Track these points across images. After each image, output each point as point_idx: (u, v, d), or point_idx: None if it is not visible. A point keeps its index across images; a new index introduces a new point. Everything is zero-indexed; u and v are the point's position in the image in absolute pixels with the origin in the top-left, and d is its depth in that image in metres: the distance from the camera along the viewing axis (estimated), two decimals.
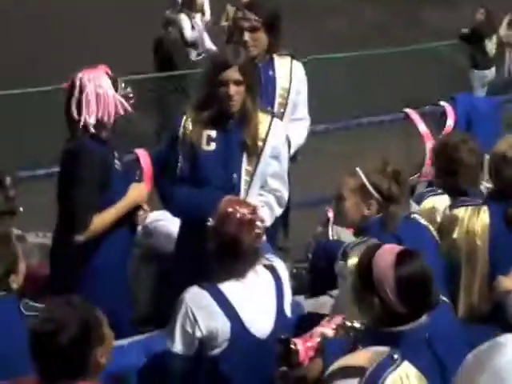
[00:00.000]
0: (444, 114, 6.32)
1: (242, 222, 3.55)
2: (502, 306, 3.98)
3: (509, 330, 3.89)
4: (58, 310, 2.76)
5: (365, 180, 3.83)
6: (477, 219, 4.09)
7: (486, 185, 4.43)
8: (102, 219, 3.99)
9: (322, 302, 4.59)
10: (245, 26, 4.63)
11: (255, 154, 4.21)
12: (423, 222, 4.00)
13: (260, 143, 4.22)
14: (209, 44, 10.77)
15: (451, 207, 4.16)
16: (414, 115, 6.18)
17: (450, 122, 6.24)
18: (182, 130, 4.19)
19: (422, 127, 6.02)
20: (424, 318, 3.07)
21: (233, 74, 4.09)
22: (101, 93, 3.94)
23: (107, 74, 4.03)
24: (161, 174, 4.36)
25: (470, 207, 4.11)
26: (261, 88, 4.50)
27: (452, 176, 4.27)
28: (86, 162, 3.96)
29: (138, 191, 4.18)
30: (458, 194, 4.23)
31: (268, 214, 4.23)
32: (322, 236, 5.07)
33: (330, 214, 5.07)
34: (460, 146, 4.33)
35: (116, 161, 4.11)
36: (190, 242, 4.25)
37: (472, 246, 4.08)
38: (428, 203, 4.42)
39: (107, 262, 4.12)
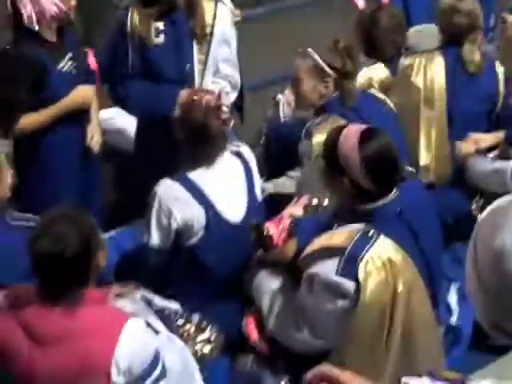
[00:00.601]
0: None
1: (209, 108, 3.55)
2: (463, 169, 4.14)
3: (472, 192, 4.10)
4: (57, 226, 2.73)
5: (318, 60, 3.85)
6: (431, 62, 4.23)
7: None
8: (32, 118, 3.98)
9: (281, 184, 4.67)
10: None
11: (205, 41, 4.19)
12: (380, 95, 4.07)
13: (208, 29, 4.19)
14: None
15: (405, 56, 4.29)
16: None
17: None
18: (129, 25, 4.12)
19: (360, 2, 6.00)
20: (394, 193, 3.15)
21: None
22: None
23: None
24: (110, 71, 4.29)
25: (422, 55, 4.24)
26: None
27: (373, 42, 4.42)
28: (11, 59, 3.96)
29: (81, 92, 4.11)
30: (383, 61, 4.40)
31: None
32: (273, 119, 5.09)
33: (280, 96, 5.09)
34: (377, 12, 4.57)
35: (67, 62, 4.05)
36: (150, 137, 4.24)
37: (430, 85, 4.22)
38: (364, 74, 4.43)
39: (58, 164, 4.13)
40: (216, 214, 3.58)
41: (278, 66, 6.29)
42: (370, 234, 3.02)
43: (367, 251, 2.98)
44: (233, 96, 4.38)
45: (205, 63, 4.21)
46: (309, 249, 3.15)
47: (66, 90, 4.05)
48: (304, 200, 3.67)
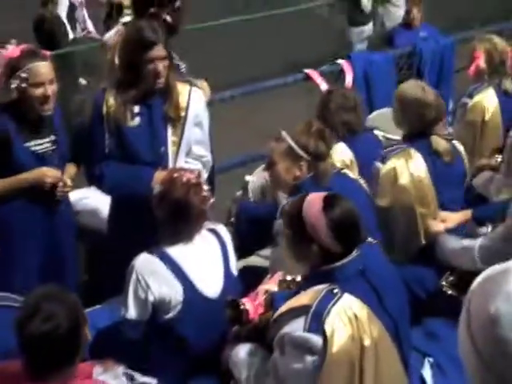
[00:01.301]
0: (342, 72, 6.53)
1: (189, 186, 3.62)
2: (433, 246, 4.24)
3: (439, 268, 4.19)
4: (45, 306, 2.72)
5: (292, 143, 3.95)
6: (411, 161, 4.31)
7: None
8: None
9: (252, 262, 4.73)
10: None
11: (179, 123, 4.28)
12: (352, 175, 4.18)
13: (182, 113, 4.29)
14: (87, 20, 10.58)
15: (383, 162, 4.35)
16: (314, 75, 6.32)
17: (349, 79, 6.45)
18: (104, 108, 4.20)
19: (324, 86, 6.18)
20: (355, 253, 3.24)
21: (159, 51, 4.12)
22: None
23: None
24: (86, 153, 4.36)
25: (399, 154, 4.33)
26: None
27: (326, 123, 4.46)
28: None
29: (39, 171, 4.18)
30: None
31: None
32: (241, 199, 5.18)
33: (248, 178, 5.19)
34: (329, 95, 4.79)
35: (44, 144, 4.16)
36: (123, 217, 4.29)
37: (419, 185, 4.31)
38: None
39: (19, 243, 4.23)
40: (194, 290, 3.62)
41: (245, 148, 6.46)
42: (335, 291, 3.09)
43: (333, 306, 3.04)
44: (205, 176, 4.45)
45: (178, 145, 4.30)
46: (278, 312, 3.21)
47: (27, 167, 4.15)
48: (278, 276, 3.73)
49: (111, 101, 4.19)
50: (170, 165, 4.25)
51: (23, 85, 4.02)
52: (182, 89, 4.32)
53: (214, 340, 3.65)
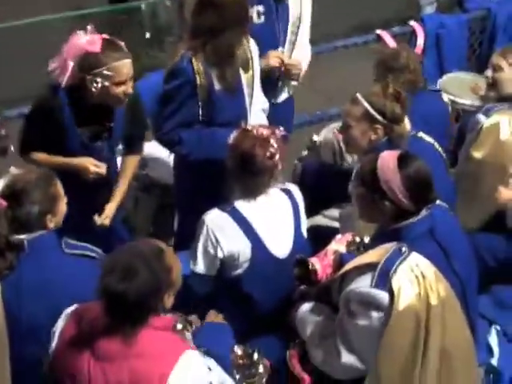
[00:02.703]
0: (414, 34, 6.43)
1: (257, 138, 3.61)
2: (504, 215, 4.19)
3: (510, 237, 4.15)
4: (129, 265, 2.76)
5: (368, 106, 3.91)
6: None
7: None
8: (41, 156, 4.08)
9: (317, 223, 4.72)
10: None
11: (251, 80, 4.28)
12: (428, 138, 4.14)
13: (250, 70, 4.29)
14: None
15: (486, 115, 4.31)
16: (385, 36, 6.24)
17: (420, 41, 6.35)
18: (196, 76, 4.10)
19: (393, 43, 6.09)
20: (425, 212, 3.27)
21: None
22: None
23: None
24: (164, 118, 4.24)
25: (503, 111, 4.30)
26: (277, 16, 4.68)
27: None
28: (41, 99, 4.05)
29: (89, 162, 4.06)
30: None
31: None
32: (308, 159, 5.14)
33: (315, 138, 5.15)
34: (397, 54, 4.66)
35: (90, 129, 4.08)
36: (195, 172, 4.30)
37: None
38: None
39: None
40: (262, 248, 3.62)
41: (312, 109, 6.41)
42: (403, 249, 3.10)
43: (400, 263, 3.05)
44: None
45: (250, 96, 4.31)
46: (344, 270, 3.23)
47: (77, 153, 4.07)
48: (347, 237, 3.72)
49: (199, 67, 4.11)
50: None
51: (106, 83, 3.87)
52: (247, 41, 4.29)
53: (280, 299, 3.66)
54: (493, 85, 4.53)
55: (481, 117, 4.33)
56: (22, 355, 3.14)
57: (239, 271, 3.63)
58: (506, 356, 3.76)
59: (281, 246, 3.68)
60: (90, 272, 3.12)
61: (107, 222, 4.19)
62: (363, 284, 3.07)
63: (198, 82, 4.11)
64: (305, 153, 5.25)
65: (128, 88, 3.94)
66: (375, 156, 3.38)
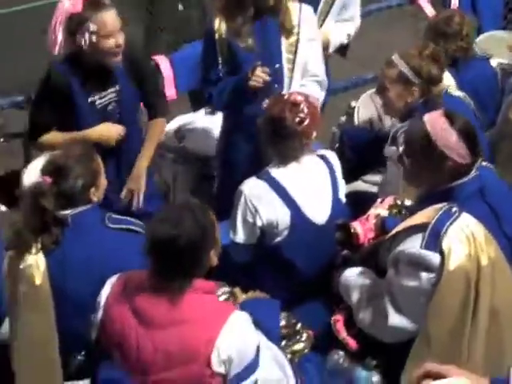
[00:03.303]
0: None
1: (287, 103, 3.62)
2: None
3: None
4: (177, 214, 2.85)
5: (404, 68, 3.87)
6: None
7: None
8: (55, 136, 4.06)
9: (357, 188, 4.70)
10: None
11: (293, 41, 4.23)
12: (458, 92, 4.11)
13: (295, 30, 4.22)
14: None
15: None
16: None
17: (455, 1, 6.27)
18: (216, 34, 4.15)
19: (429, 9, 6.02)
20: (474, 173, 3.25)
21: None
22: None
23: None
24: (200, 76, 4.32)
25: None
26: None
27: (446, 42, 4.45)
28: (43, 80, 4.05)
29: (106, 127, 4.10)
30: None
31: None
32: (346, 125, 5.12)
33: (354, 103, 5.12)
34: (450, 19, 4.60)
35: (107, 95, 4.08)
36: (234, 136, 4.31)
37: None
38: None
39: None
40: (301, 215, 3.62)
41: (346, 74, 6.36)
42: (453, 209, 3.07)
43: (451, 224, 3.02)
44: (321, 96, 4.41)
45: (293, 62, 4.24)
46: (393, 232, 3.20)
47: (91, 122, 4.07)
48: (389, 200, 3.70)
49: (222, 25, 4.15)
50: (286, 83, 4.22)
51: (94, 38, 3.88)
52: (292, 6, 4.25)
53: (322, 265, 3.65)
54: None
55: None
56: (67, 330, 3.16)
57: (279, 239, 3.63)
58: None
59: (319, 211, 3.67)
60: (133, 246, 3.15)
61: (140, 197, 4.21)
62: (413, 245, 3.05)
63: (217, 37, 4.14)
64: (343, 119, 5.23)
65: (118, 39, 3.94)
66: (419, 123, 3.33)
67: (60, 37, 3.92)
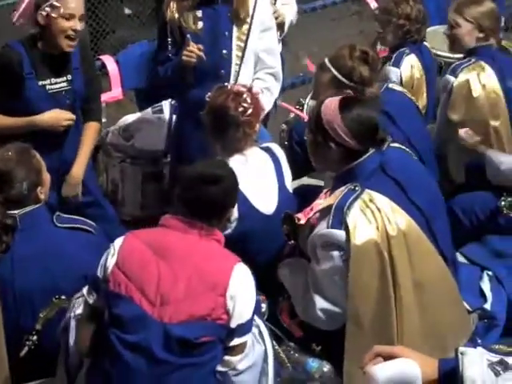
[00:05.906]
0: None
1: (230, 92, 3.68)
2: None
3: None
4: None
5: (335, 72, 3.87)
6: (483, 73, 4.27)
7: None
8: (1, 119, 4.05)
9: (304, 182, 4.75)
10: None
11: (245, 28, 4.22)
12: (399, 88, 4.20)
13: (248, 18, 4.22)
14: None
15: (453, 75, 4.30)
16: None
17: None
18: (168, 14, 4.17)
19: (374, 4, 6.06)
20: (372, 151, 3.31)
21: None
22: None
23: None
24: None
25: (470, 66, 4.28)
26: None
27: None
28: None
29: (55, 114, 4.09)
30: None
31: (268, 99, 4.31)
32: (294, 121, 5.14)
33: (302, 100, 5.15)
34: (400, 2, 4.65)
35: (60, 83, 4.10)
36: (186, 127, 4.35)
37: (492, 97, 4.26)
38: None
39: None
40: (249, 206, 3.64)
41: (290, 72, 6.37)
42: (356, 188, 3.19)
43: (354, 200, 3.15)
44: (277, 90, 4.42)
45: (243, 49, 4.23)
46: (305, 219, 3.36)
47: (41, 106, 4.07)
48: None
49: (174, 6, 4.15)
50: (233, 71, 4.22)
51: (54, 14, 3.91)
52: None
53: (273, 255, 3.67)
54: (453, 42, 4.48)
55: (449, 77, 4.32)
56: (15, 325, 3.18)
57: (229, 231, 3.61)
58: (499, 301, 3.78)
59: (267, 202, 3.69)
60: (83, 243, 3.19)
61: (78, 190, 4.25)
62: (322, 227, 3.16)
63: (168, 17, 4.17)
64: (291, 115, 5.26)
65: (76, 25, 3.97)
66: (320, 102, 3.40)
67: (23, 6, 3.97)
